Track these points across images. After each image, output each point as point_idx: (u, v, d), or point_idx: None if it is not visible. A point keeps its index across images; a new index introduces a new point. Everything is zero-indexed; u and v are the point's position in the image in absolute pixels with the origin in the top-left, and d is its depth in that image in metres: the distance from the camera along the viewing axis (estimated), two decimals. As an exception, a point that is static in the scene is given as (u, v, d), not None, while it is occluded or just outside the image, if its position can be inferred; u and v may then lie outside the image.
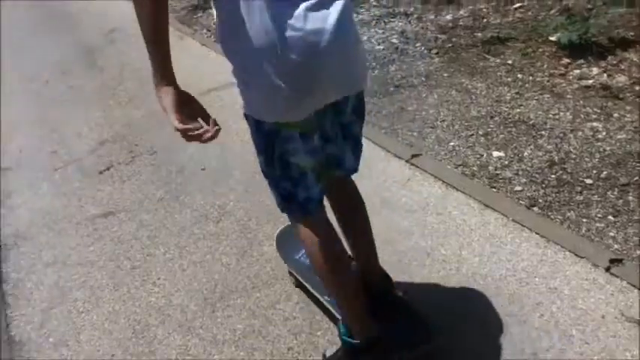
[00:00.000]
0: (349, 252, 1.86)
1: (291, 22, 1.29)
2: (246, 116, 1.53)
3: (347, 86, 1.51)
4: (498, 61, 3.89)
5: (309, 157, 1.54)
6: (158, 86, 1.41)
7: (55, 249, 2.80)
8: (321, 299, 2.04)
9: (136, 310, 2.34)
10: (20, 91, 4.84)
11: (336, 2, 1.34)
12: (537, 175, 2.74)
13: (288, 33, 1.29)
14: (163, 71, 1.39)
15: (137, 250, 2.68)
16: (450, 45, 4.24)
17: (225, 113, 3.60)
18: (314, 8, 1.31)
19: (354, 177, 1.88)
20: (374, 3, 5.28)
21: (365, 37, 4.60)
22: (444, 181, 2.74)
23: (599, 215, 2.43)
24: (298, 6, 1.29)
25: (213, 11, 1.42)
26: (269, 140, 1.51)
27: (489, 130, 3.16)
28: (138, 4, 1.28)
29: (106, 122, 3.94)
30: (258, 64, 1.34)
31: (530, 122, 3.16)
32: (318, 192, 1.62)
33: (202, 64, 4.46)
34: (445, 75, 3.83)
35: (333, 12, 1.33)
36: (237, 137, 3.36)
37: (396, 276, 2.24)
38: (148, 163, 3.35)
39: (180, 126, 1.40)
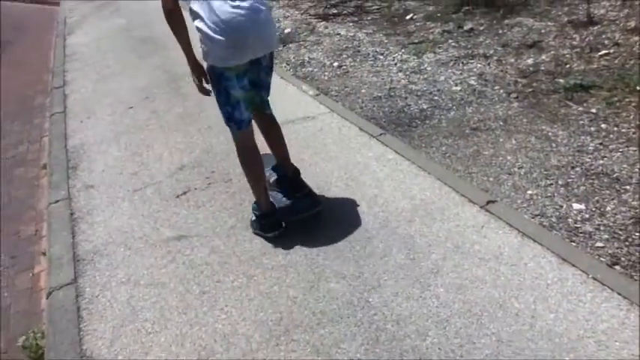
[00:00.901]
0: (271, 153, 3.13)
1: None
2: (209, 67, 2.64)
3: (264, 48, 2.62)
4: (581, 109, 3.77)
5: (242, 91, 2.65)
6: (191, 66, 2.72)
7: (130, 268, 2.90)
8: None
9: (202, 335, 2.38)
10: (107, 114, 5.11)
11: None
12: (621, 232, 2.61)
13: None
14: (189, 57, 2.68)
15: (207, 275, 2.74)
16: (531, 90, 4.15)
17: (299, 145, 3.67)
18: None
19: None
20: (452, 44, 5.27)
21: (442, 78, 4.60)
22: (519, 231, 2.65)
23: (689, 280, 2.28)
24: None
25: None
26: (220, 77, 2.60)
27: (570, 180, 3.05)
28: (173, 33, 2.59)
29: (186, 148, 4.09)
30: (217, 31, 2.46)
31: (614, 175, 3.03)
32: (248, 115, 2.76)
33: (280, 97, 4.57)
34: (524, 120, 3.75)
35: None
36: (308, 168, 3.40)
37: (466, 326, 2.18)
38: (223, 191, 3.44)
39: (196, 82, 2.74)
